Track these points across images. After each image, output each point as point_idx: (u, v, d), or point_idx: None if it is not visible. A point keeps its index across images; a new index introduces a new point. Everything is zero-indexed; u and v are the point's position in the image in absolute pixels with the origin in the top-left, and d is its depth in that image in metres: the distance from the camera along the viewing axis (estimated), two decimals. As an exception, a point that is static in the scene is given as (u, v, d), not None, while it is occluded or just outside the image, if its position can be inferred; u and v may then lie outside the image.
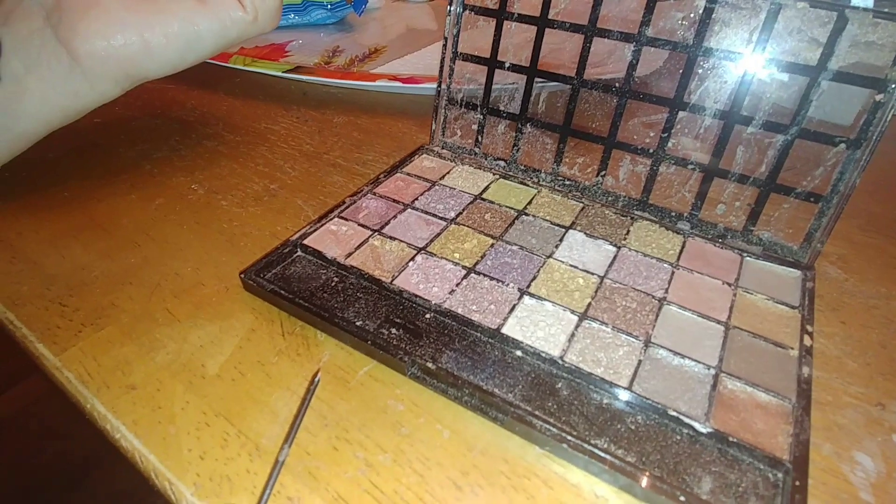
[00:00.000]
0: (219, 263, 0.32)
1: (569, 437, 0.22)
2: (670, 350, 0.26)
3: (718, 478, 0.21)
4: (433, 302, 0.27)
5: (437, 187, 0.37)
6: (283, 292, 0.28)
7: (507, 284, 0.29)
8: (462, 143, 0.40)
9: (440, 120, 0.40)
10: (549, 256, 0.31)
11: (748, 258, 0.31)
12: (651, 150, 0.33)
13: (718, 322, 0.27)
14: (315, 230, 0.32)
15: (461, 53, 0.37)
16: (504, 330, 0.26)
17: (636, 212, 0.34)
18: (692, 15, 0.30)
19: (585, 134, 0.35)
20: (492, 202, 0.35)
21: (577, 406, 0.23)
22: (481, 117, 0.39)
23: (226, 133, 0.45)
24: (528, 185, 0.37)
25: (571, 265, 0.30)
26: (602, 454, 0.21)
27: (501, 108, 0.38)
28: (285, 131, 0.46)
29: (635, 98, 0.33)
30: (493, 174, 0.38)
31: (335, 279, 0.29)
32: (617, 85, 0.33)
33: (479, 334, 0.26)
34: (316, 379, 0.24)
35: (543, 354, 0.25)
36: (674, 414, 0.23)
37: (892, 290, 0.32)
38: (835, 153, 0.29)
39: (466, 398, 0.24)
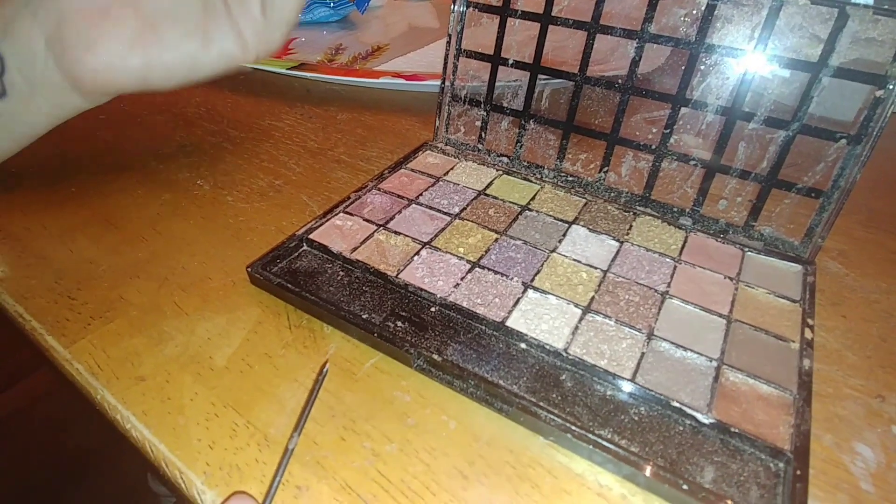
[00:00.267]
0: (225, 258, 0.32)
1: (573, 428, 0.22)
2: (673, 343, 0.26)
3: (720, 467, 0.21)
4: (438, 295, 0.28)
5: (441, 183, 0.37)
6: (289, 286, 0.28)
7: (512, 278, 0.29)
8: (466, 140, 0.40)
9: (444, 116, 0.40)
10: (553, 251, 0.31)
11: (750, 253, 0.32)
12: (653, 147, 0.34)
13: (720, 315, 0.27)
14: (320, 225, 0.33)
15: (465, 50, 0.38)
16: (509, 323, 0.27)
17: (639, 207, 0.35)
18: (695, 12, 0.31)
19: (588, 130, 0.35)
20: (496, 198, 0.36)
21: (581, 397, 0.24)
22: (485, 114, 0.39)
23: (230, 130, 0.46)
24: (531, 181, 0.37)
25: (575, 259, 0.31)
26: (606, 444, 0.22)
27: (505, 104, 0.38)
28: (289, 128, 0.46)
29: (638, 95, 0.33)
30: (497, 170, 0.38)
31: (341, 273, 0.30)
32: (620, 82, 0.33)
33: (483, 327, 0.27)
34: (325, 369, 0.24)
35: (548, 347, 0.25)
36: (676, 405, 0.23)
37: (891, 284, 0.32)
38: (835, 149, 0.29)
39: (472, 389, 0.24)
